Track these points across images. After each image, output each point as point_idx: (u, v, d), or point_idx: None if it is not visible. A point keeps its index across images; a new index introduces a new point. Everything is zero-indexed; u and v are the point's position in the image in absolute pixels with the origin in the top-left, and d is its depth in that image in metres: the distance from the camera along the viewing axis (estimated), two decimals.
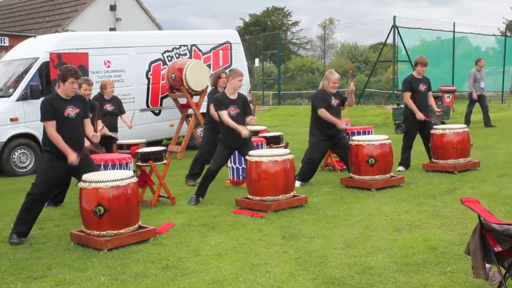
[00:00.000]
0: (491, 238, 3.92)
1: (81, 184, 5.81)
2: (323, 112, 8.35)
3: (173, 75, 12.38)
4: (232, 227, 6.38)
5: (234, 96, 7.64)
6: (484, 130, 14.57)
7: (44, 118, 6.04)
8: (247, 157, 7.31)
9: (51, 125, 6.00)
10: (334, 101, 8.47)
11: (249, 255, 5.34)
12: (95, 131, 8.01)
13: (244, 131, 7.48)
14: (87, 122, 6.36)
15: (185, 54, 13.61)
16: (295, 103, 28.41)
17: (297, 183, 8.09)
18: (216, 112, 8.51)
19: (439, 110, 10.17)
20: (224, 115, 7.52)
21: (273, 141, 9.33)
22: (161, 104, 13.20)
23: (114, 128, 9.38)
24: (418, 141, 9.62)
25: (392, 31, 20.42)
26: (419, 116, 9.21)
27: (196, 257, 5.36)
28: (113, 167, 7.32)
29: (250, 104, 8.54)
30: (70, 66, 6.25)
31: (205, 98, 10.55)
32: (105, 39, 12.72)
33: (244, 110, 7.70)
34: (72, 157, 5.99)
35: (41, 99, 10.43)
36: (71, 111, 6.10)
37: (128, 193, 5.77)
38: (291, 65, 38.04)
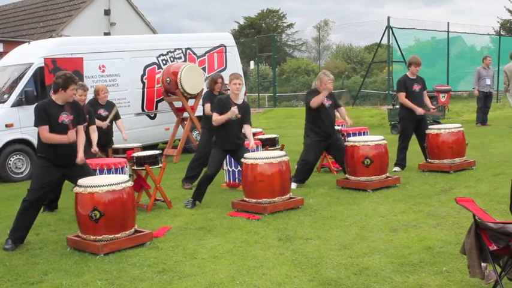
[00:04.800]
0: (487, 237, 3.93)
1: (76, 189, 5.80)
2: (313, 101, 8.31)
3: (168, 79, 12.38)
4: (229, 229, 6.38)
5: (238, 102, 7.64)
6: (480, 129, 14.59)
7: (37, 123, 6.03)
8: (242, 159, 7.32)
9: (45, 130, 5.99)
10: (327, 101, 8.49)
11: (245, 257, 5.34)
12: (90, 139, 8.11)
13: (234, 110, 7.46)
14: (80, 129, 6.34)
15: (180, 58, 13.61)
16: (291, 105, 28.37)
17: (293, 185, 8.10)
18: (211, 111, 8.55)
19: (434, 107, 10.22)
20: (215, 116, 7.52)
21: (269, 144, 9.35)
22: (156, 108, 13.20)
23: (108, 133, 9.36)
24: (413, 142, 9.64)
25: (386, 32, 20.46)
26: (419, 111, 9.23)
27: (192, 260, 5.36)
28: (109, 171, 7.31)
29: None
30: (68, 72, 6.24)
31: (201, 101, 10.54)
32: (100, 44, 12.71)
33: (244, 116, 7.67)
34: (69, 137, 6.01)
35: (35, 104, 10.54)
36: (65, 118, 6.09)
37: (123, 197, 5.76)
38: (286, 67, 38.02)
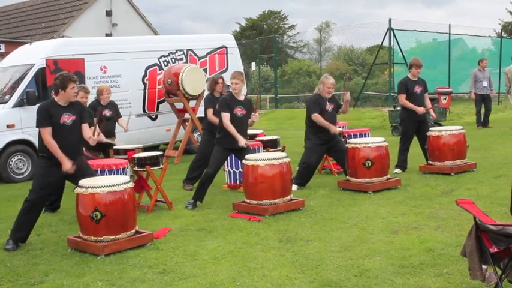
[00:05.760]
0: (487, 239, 3.93)
1: (77, 190, 5.80)
2: (317, 117, 8.38)
3: (169, 80, 12.38)
4: (229, 231, 6.38)
5: (241, 98, 7.69)
6: (481, 131, 14.59)
7: (39, 124, 6.03)
8: (243, 161, 7.32)
9: (47, 132, 5.99)
10: (329, 106, 8.50)
11: (246, 259, 5.34)
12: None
13: (241, 140, 7.49)
14: (85, 126, 6.33)
15: (181, 59, 13.62)
16: (292, 106, 28.38)
17: (294, 187, 8.09)
18: (214, 115, 8.57)
19: (435, 116, 10.27)
20: (226, 118, 7.53)
21: (270, 145, 9.34)
22: (158, 109, 13.20)
23: (111, 133, 9.38)
24: (414, 144, 9.63)
25: (388, 33, 20.47)
26: (420, 110, 9.23)
27: (193, 261, 5.36)
28: (110, 172, 7.31)
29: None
30: (65, 72, 6.26)
31: (202, 103, 10.55)
32: (101, 45, 12.72)
33: (249, 112, 7.76)
34: (67, 166, 5.99)
35: (38, 105, 10.56)
36: (67, 119, 6.09)
37: (124, 198, 5.76)
38: (287, 68, 38.03)
